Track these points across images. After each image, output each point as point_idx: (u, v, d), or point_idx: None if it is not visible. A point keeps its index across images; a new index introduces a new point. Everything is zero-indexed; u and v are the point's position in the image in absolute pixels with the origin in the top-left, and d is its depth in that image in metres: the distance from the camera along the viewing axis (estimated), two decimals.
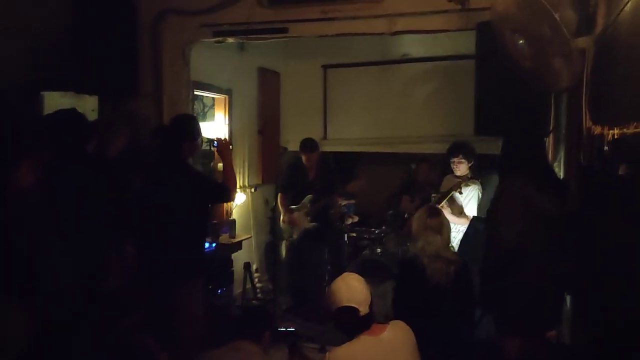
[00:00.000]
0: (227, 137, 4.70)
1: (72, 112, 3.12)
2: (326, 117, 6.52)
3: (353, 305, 2.31)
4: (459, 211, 4.60)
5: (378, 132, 6.21)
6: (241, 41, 4.99)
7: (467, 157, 4.73)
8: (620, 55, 1.86)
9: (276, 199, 4.87)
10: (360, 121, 6.30)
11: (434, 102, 5.97)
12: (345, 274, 2.56)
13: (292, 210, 5.06)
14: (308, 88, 6.51)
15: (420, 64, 6.09)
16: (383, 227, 5.21)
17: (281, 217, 5.13)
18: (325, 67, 6.43)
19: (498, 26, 2.89)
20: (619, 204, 1.75)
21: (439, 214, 3.23)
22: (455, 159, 4.74)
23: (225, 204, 5.13)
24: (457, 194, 4.54)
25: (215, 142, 3.74)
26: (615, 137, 1.66)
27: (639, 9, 1.62)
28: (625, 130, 1.52)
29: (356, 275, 2.51)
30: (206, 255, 4.00)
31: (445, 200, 4.51)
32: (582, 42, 2.60)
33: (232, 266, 5.10)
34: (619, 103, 1.78)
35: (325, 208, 5.07)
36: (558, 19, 2.47)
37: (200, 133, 3.76)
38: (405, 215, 4.94)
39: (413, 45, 5.96)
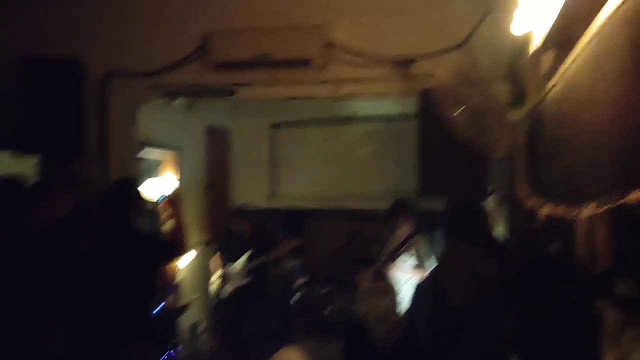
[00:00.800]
0: (174, 193, 4.61)
1: (9, 180, 3.03)
2: (275, 173, 6.56)
3: None
4: (411, 268, 4.66)
5: (328, 188, 6.28)
6: (189, 101, 5.02)
7: (410, 214, 4.81)
8: (549, 134, 1.98)
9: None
10: (310, 177, 6.38)
11: (383, 160, 6.13)
12: (285, 350, 2.51)
13: (226, 269, 5.03)
14: (257, 145, 6.57)
15: (370, 123, 6.27)
16: (332, 286, 5.19)
17: (213, 276, 5.10)
18: (275, 125, 6.53)
19: (439, 97, 3.04)
20: (548, 281, 1.84)
21: (384, 277, 3.26)
22: (399, 217, 4.81)
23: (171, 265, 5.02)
24: (406, 254, 4.60)
25: (162, 197, 3.67)
26: (547, 215, 1.75)
27: (564, 95, 1.74)
28: (555, 210, 1.61)
29: (296, 349, 2.47)
30: (155, 318, 3.90)
31: (396, 260, 4.56)
32: (516, 114, 2.76)
33: (178, 327, 4.95)
34: (551, 179, 1.89)
35: (263, 265, 5.04)
36: (494, 92, 2.63)
37: (146, 193, 3.72)
38: (354, 275, 4.94)
39: (362, 105, 6.14)
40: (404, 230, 4.82)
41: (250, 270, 4.99)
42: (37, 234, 3.09)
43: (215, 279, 5.11)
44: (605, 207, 1.11)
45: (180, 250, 3.59)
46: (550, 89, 2.02)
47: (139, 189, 3.69)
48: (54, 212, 3.42)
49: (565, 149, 1.74)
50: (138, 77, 4.29)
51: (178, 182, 5.40)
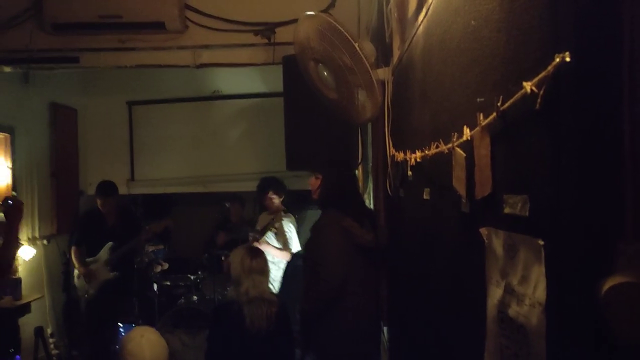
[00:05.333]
0: (17, 196, 3.86)
1: None
2: (133, 157, 6.00)
3: None
4: (280, 246, 4.51)
5: (191, 171, 5.88)
6: (23, 71, 4.36)
7: (278, 192, 4.69)
8: (416, 80, 1.85)
9: (70, 254, 4.26)
10: (172, 161, 5.92)
11: (247, 140, 5.87)
12: (140, 328, 2.20)
13: (87, 264, 4.42)
14: (111, 126, 5.96)
15: (233, 101, 5.96)
16: (199, 273, 4.84)
17: (75, 273, 4.49)
18: (130, 103, 5.96)
19: (301, 57, 2.84)
20: (424, 230, 1.71)
21: (261, 254, 3.02)
22: (266, 195, 4.66)
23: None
24: (271, 232, 4.43)
25: (10, 201, 2.91)
26: (418, 160, 1.61)
27: (430, 30, 1.60)
28: (426, 152, 1.46)
29: (151, 329, 2.17)
30: None
31: (263, 237, 4.37)
32: (382, 73, 2.65)
33: (19, 333, 4.30)
34: (419, 127, 1.76)
35: (128, 253, 4.49)
36: (358, 49, 2.48)
37: None
38: (222, 258, 4.66)
39: (225, 82, 5.82)
40: (270, 209, 4.67)
41: (115, 262, 4.41)
42: None
43: (77, 274, 4.48)
44: (487, 120, 0.95)
45: (4, 271, 3.03)
46: (413, 36, 1.89)
47: None
48: None
49: (430, 94, 1.61)
50: None
51: (13, 167, 4.68)
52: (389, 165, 2.52)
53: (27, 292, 4.47)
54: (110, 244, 4.43)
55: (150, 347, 2.00)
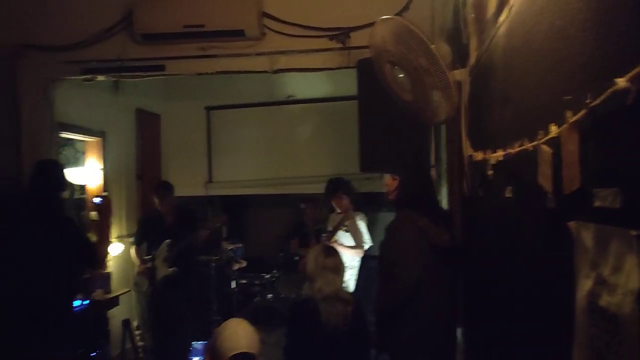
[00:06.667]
0: (107, 194, 4.17)
1: None
2: (211, 159, 6.27)
3: (252, 351, 2.08)
4: (354, 244, 4.57)
5: (265, 173, 6.07)
6: (114, 80, 4.67)
7: (347, 192, 4.74)
8: (497, 80, 1.87)
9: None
10: (247, 163, 6.14)
11: (319, 143, 5.99)
12: (236, 319, 2.32)
13: (146, 261, 4.56)
14: (191, 130, 6.26)
15: (306, 105, 6.10)
16: (274, 271, 4.99)
17: (135, 270, 4.73)
18: (209, 108, 6.23)
19: (377, 60, 2.89)
20: (505, 228, 1.72)
21: (335, 253, 3.10)
22: (336, 196, 4.73)
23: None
24: (342, 231, 4.50)
25: (101, 198, 3.37)
26: (500, 159, 1.62)
27: (512, 31, 1.62)
28: (509, 150, 1.48)
29: (245, 320, 2.29)
30: (75, 315, 3.58)
31: (334, 237, 4.45)
32: (458, 74, 2.66)
33: (108, 325, 4.60)
34: (500, 127, 1.77)
35: (186, 250, 4.60)
36: (435, 51, 2.50)
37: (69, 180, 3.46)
38: (296, 258, 4.79)
39: (298, 87, 5.97)
40: (343, 206, 4.73)
41: (173, 259, 4.57)
42: None
43: (140, 270, 4.69)
44: (576, 117, 0.97)
45: (98, 261, 3.35)
46: (493, 37, 1.91)
47: (64, 174, 3.50)
48: None
49: (512, 94, 1.62)
50: (54, 51, 3.94)
51: (104, 170, 5.03)
52: (466, 166, 2.52)
53: (116, 286, 4.78)
54: (168, 241, 4.57)
55: (246, 336, 2.12)
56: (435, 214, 2.97)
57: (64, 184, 3.48)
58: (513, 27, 1.61)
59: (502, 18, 1.73)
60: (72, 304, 3.43)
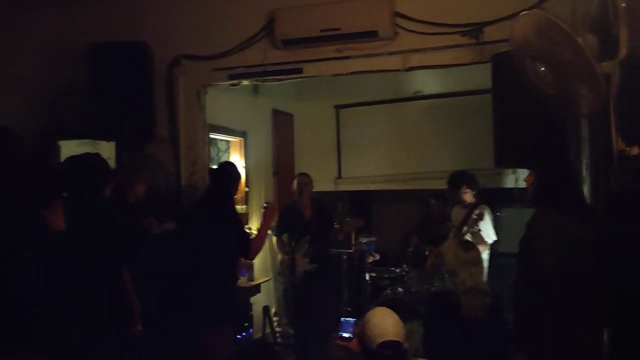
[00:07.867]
0: (270, 202, 4.63)
1: (94, 157, 3.13)
2: (340, 156, 6.51)
3: (399, 339, 2.21)
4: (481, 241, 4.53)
5: (393, 169, 6.18)
6: (255, 83, 5.02)
7: (472, 186, 4.67)
8: None
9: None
10: (375, 159, 6.29)
11: (445, 138, 5.97)
12: (382, 308, 2.46)
13: (290, 252, 4.76)
14: (321, 128, 6.55)
15: (432, 101, 6.11)
16: (403, 266, 5.09)
17: (278, 262, 5.02)
18: (338, 107, 6.47)
19: (518, 55, 2.88)
20: None
21: (473, 247, 3.15)
22: (460, 190, 4.68)
23: None
24: (472, 227, 4.44)
25: (266, 204, 4.12)
26: None
27: None
28: None
29: (390, 310, 2.41)
30: (236, 300, 4.06)
31: (475, 229, 4.41)
32: (606, 66, 2.57)
33: (251, 310, 4.99)
34: None
35: (323, 247, 4.84)
36: (582, 44, 2.45)
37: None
38: (426, 253, 4.84)
39: (425, 82, 6.00)
40: (468, 199, 4.69)
41: (313, 255, 4.79)
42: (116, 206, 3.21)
43: (282, 262, 5.01)
44: None
45: (253, 253, 3.85)
46: None
47: (239, 173, 4.03)
48: (130, 195, 3.56)
49: None
50: (205, 59, 4.35)
51: (246, 167, 5.44)
52: (615, 160, 2.45)
53: (258, 275, 5.16)
54: (307, 237, 4.75)
55: (393, 323, 2.26)
56: (578, 208, 2.88)
57: (238, 184, 3.98)
58: None
59: None
60: (234, 289, 3.91)
